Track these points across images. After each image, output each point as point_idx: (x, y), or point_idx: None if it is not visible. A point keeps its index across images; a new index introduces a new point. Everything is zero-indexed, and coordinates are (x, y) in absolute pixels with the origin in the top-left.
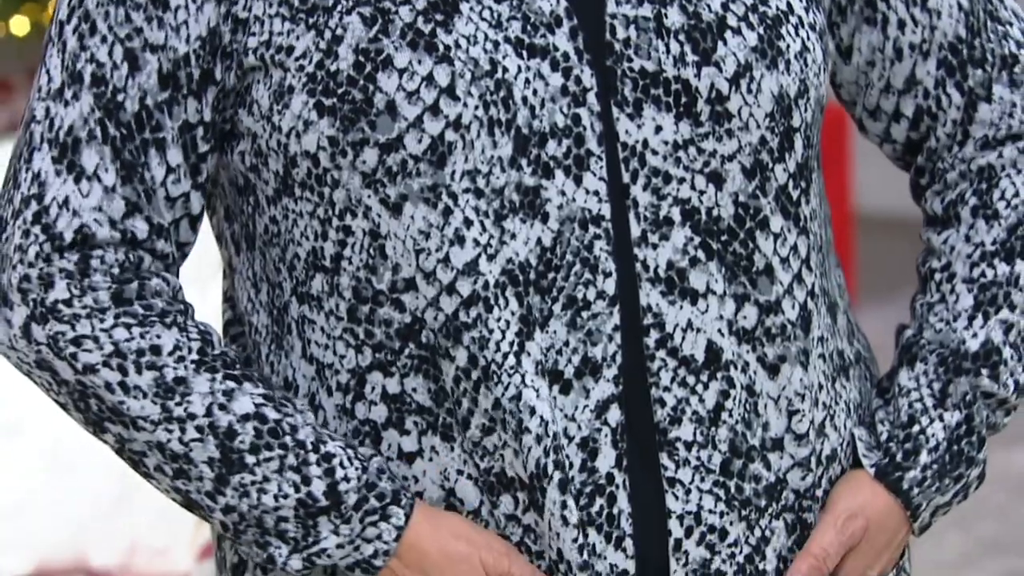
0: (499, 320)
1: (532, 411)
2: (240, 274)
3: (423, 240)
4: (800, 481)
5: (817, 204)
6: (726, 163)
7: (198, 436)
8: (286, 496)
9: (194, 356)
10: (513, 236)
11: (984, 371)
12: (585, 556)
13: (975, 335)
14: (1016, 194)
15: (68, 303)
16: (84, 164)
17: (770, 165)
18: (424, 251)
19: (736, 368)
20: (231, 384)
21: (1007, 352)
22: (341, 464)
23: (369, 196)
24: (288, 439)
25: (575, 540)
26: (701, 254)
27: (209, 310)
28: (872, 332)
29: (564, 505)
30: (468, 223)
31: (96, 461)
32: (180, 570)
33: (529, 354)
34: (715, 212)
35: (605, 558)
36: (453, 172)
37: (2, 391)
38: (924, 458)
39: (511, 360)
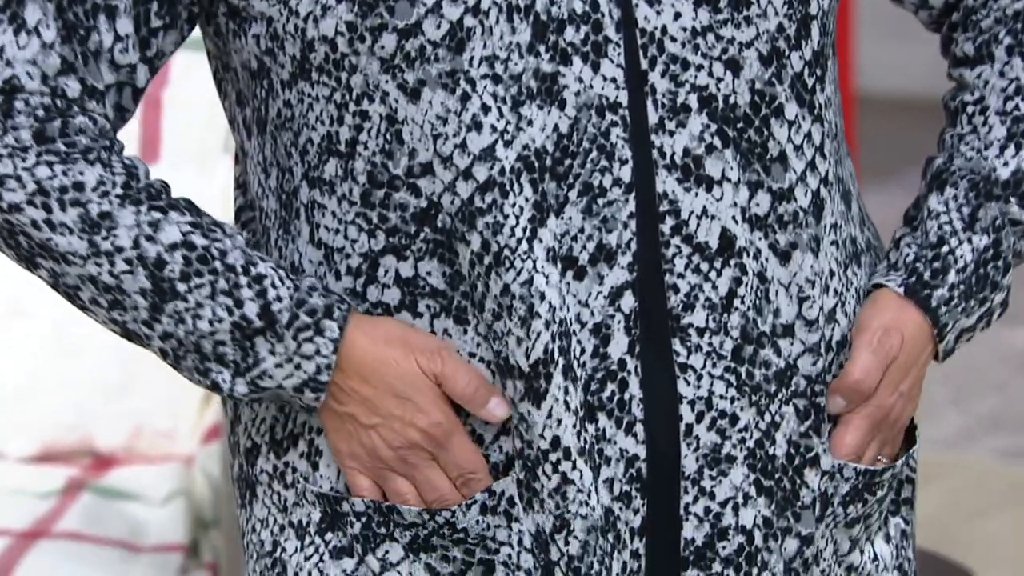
0: (514, 206)
1: (542, 296)
2: (251, 159)
3: (440, 125)
4: (811, 367)
5: (831, 92)
6: (743, 50)
7: (128, 268)
8: (220, 320)
9: (118, 191)
10: (530, 122)
11: (1014, 199)
12: (581, 442)
13: (1006, 164)
14: None
15: None
16: (26, 17)
17: (787, 52)
18: (441, 136)
19: (748, 255)
20: (156, 215)
21: None
22: (273, 284)
23: (387, 81)
24: (218, 264)
25: (575, 426)
26: (717, 141)
27: (213, 192)
28: (874, 212)
29: (567, 391)
30: (485, 109)
31: (99, 344)
32: (184, 452)
33: (542, 240)
34: (732, 99)
35: (615, 443)
36: (471, 58)
37: (3, 274)
38: (952, 277)
39: (524, 246)
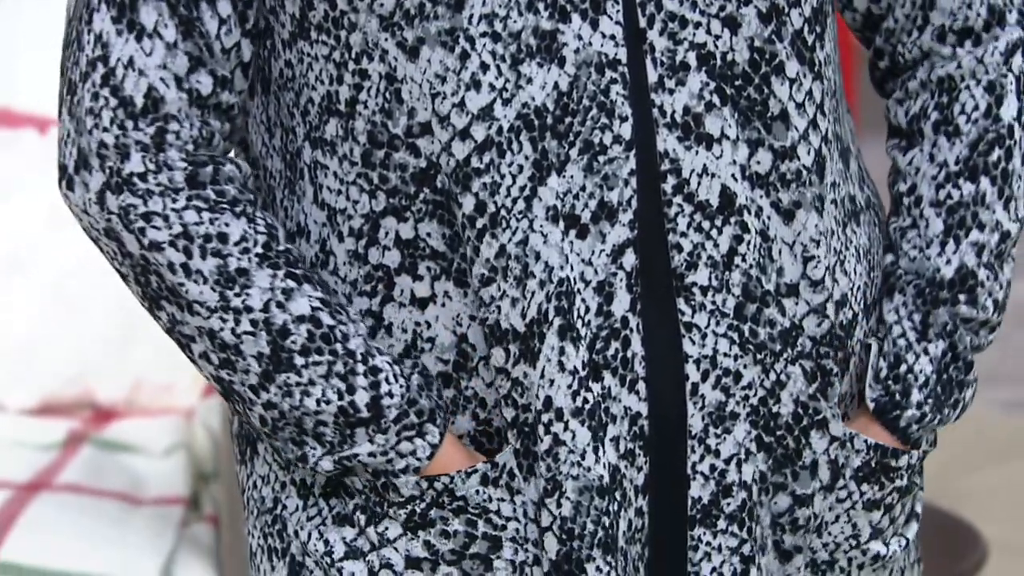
0: (511, 165)
1: (537, 256)
2: (255, 118)
3: (439, 84)
4: (816, 328)
5: (831, 49)
6: (741, 7)
7: (251, 330)
8: (329, 402)
9: (259, 249)
10: (529, 80)
11: (962, 297)
12: (578, 403)
13: (948, 261)
14: (976, 107)
15: (143, 177)
16: (143, 22)
17: (786, 9)
18: (440, 95)
19: (750, 213)
20: (291, 283)
21: (982, 274)
22: (387, 380)
23: (386, 39)
24: (339, 346)
25: (569, 386)
26: (716, 99)
27: None
28: (875, 164)
29: (562, 351)
30: (484, 67)
31: (100, 298)
32: (184, 406)
33: (541, 199)
34: (730, 57)
35: (620, 401)
36: (471, 16)
37: (4, 229)
38: (916, 396)
39: (520, 205)
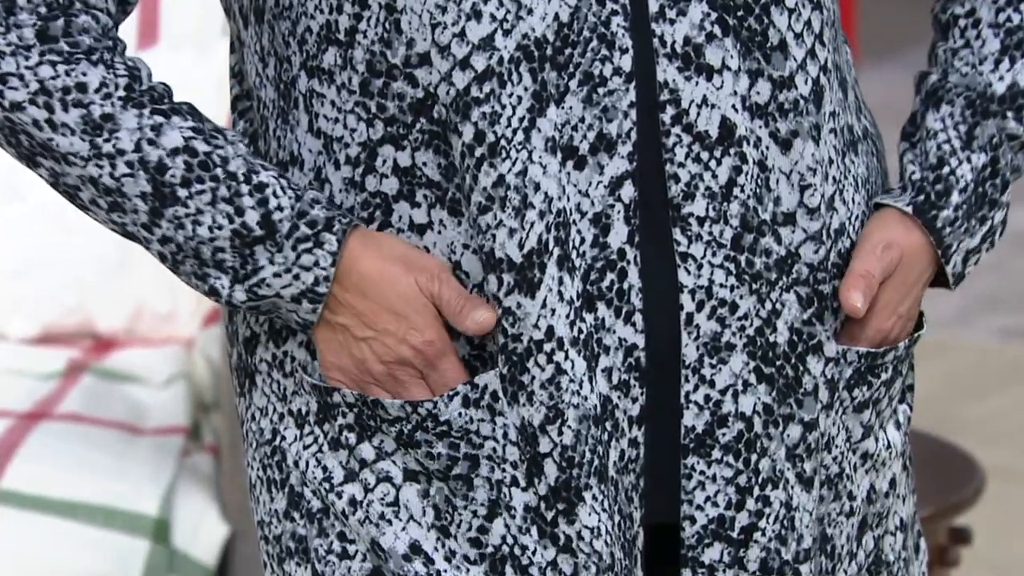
0: (511, 96)
1: (536, 187)
2: (248, 48)
3: (439, 14)
4: (813, 255)
5: None
6: None
7: (129, 171)
8: (220, 227)
9: (121, 92)
10: (530, 11)
11: (1010, 114)
12: (575, 333)
13: (1001, 78)
14: None
15: None
16: None
17: None
18: (440, 25)
19: (749, 143)
20: (159, 119)
21: None
22: (274, 193)
23: None
24: (219, 171)
25: (568, 317)
26: (717, 30)
27: (212, 75)
28: (875, 92)
29: (561, 281)
30: None
31: (98, 224)
32: (184, 335)
33: (540, 130)
34: None
35: (614, 332)
36: None
37: (3, 154)
38: (955, 198)
39: (520, 136)
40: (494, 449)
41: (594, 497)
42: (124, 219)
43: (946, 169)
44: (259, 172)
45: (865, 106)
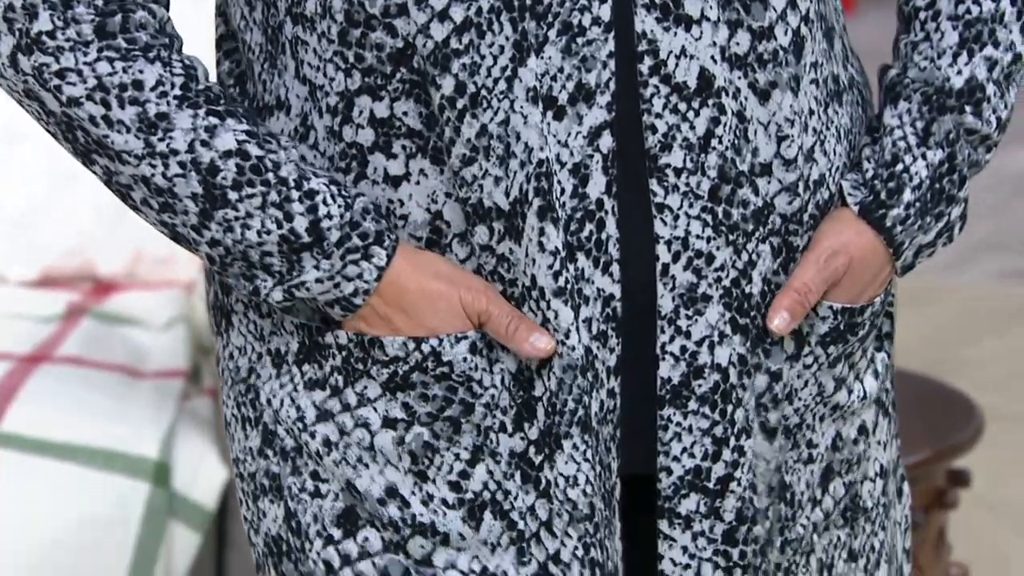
0: (491, 46)
1: (518, 136)
2: None
3: None
4: (787, 206)
5: None
6: None
7: (181, 172)
8: (269, 232)
9: (177, 91)
10: None
11: (968, 108)
12: (560, 283)
13: (959, 72)
14: None
15: (52, 35)
16: None
17: None
18: None
19: (727, 95)
20: (214, 120)
21: (990, 89)
22: (324, 201)
23: None
24: (271, 175)
25: (550, 267)
26: None
27: (202, 19)
28: (870, 38)
29: (542, 232)
30: None
31: None
32: (184, 278)
33: (521, 80)
34: None
35: (592, 282)
36: None
37: (2, 100)
38: (907, 196)
39: (502, 85)
40: (492, 396)
41: (574, 446)
42: (175, 220)
43: (900, 166)
44: (310, 179)
45: (853, 54)
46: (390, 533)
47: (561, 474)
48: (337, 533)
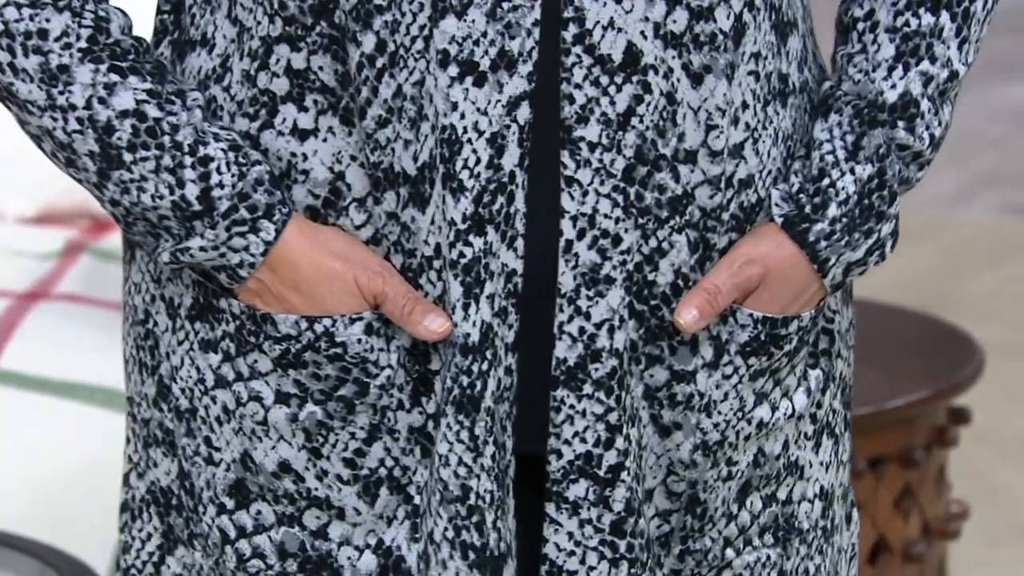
0: (412, 3)
1: (432, 99)
2: None
3: None
4: (708, 199)
5: None
6: None
7: (79, 128)
8: (162, 197)
9: (82, 44)
10: None
11: (900, 123)
12: (453, 255)
13: (894, 86)
14: None
15: None
16: None
17: None
18: None
19: (657, 73)
20: (114, 77)
21: (925, 105)
22: (218, 169)
23: None
24: (166, 139)
25: (448, 238)
26: None
27: None
28: None
29: (444, 200)
30: None
31: None
32: None
33: (439, 41)
34: None
35: (498, 257)
36: None
37: None
38: (833, 211)
39: (419, 44)
40: (388, 377)
41: (448, 426)
42: (79, 176)
43: (826, 181)
44: (208, 144)
45: (816, 59)
46: (284, 506)
47: (437, 453)
48: (230, 503)
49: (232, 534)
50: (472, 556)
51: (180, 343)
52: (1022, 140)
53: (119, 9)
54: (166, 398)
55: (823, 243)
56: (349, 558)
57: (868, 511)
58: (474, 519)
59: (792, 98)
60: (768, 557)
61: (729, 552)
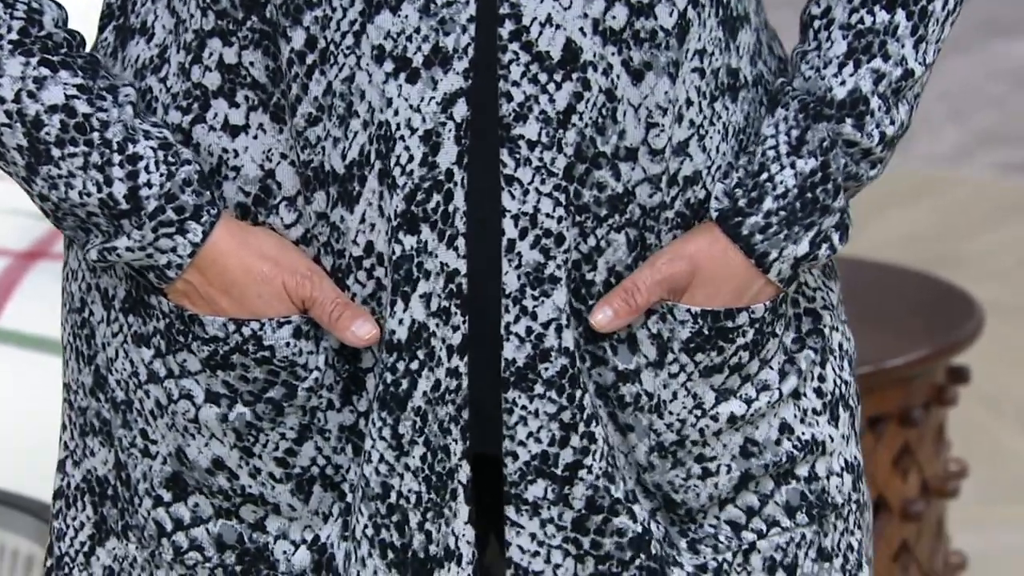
0: None
1: (362, 95)
2: None
3: None
4: (648, 198)
5: None
6: None
7: (7, 121)
8: (89, 195)
9: (13, 36)
10: None
11: (848, 120)
12: (389, 253)
13: (843, 83)
14: None
15: None
16: None
17: None
18: None
19: (596, 70)
20: (45, 71)
21: (875, 102)
22: (147, 168)
23: None
24: (95, 135)
25: (387, 234)
26: None
27: None
28: None
29: (381, 196)
30: None
31: None
32: None
33: (369, 36)
34: None
35: (436, 256)
36: None
37: None
38: (768, 204)
39: (349, 40)
40: (316, 379)
41: (373, 423)
42: (8, 169)
43: (764, 175)
44: (138, 142)
45: (773, 53)
46: (219, 500)
47: (364, 449)
48: (167, 495)
49: (169, 527)
50: (391, 555)
51: (115, 335)
52: (1021, 99)
53: (54, 1)
54: (103, 388)
55: (758, 236)
56: (285, 552)
57: (867, 470)
58: (394, 518)
59: (744, 92)
60: (803, 536)
61: (747, 535)
